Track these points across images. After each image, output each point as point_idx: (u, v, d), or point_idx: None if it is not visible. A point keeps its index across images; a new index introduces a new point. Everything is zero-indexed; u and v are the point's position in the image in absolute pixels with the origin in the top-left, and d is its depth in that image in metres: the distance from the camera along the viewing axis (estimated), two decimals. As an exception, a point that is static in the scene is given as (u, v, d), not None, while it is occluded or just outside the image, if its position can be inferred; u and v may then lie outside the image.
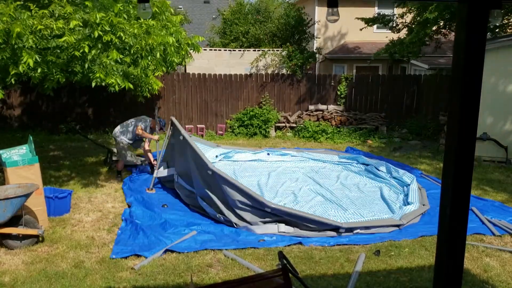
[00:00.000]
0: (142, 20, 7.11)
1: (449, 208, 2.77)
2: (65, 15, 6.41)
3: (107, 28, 6.45)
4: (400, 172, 8.65)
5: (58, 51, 6.52)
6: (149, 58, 7.23)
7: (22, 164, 6.13)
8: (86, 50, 6.38)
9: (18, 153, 6.38)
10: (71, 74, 7.19)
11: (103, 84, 6.81)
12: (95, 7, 6.49)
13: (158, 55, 7.23)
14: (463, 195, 2.76)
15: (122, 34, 6.58)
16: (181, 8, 24.88)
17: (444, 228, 2.85)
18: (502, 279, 5.03)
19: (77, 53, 6.41)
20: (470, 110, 2.68)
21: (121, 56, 6.73)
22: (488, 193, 8.10)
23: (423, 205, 7.10)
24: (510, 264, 5.39)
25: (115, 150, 9.03)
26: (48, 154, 9.32)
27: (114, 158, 9.13)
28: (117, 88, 6.92)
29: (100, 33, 6.40)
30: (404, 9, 13.68)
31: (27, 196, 5.54)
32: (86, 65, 6.68)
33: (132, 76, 7.28)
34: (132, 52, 6.92)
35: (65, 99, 13.06)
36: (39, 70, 6.49)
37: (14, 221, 5.58)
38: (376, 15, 14.86)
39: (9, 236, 5.56)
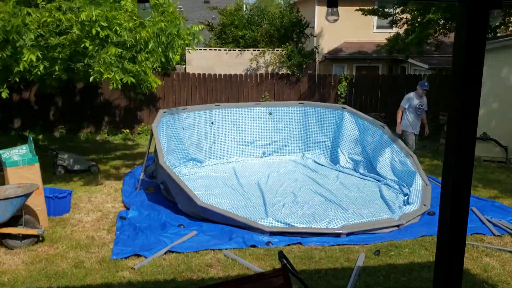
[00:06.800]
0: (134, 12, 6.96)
1: (449, 208, 2.77)
2: (73, 8, 6.39)
3: (104, 24, 6.39)
4: (400, 172, 8.61)
5: (60, 48, 6.49)
6: (145, 51, 7.04)
7: (22, 164, 6.13)
8: (87, 45, 6.33)
9: (18, 153, 6.38)
10: (71, 72, 7.15)
11: (102, 79, 6.67)
12: (92, 4, 6.44)
13: (150, 46, 6.94)
14: (463, 195, 2.76)
15: (118, 28, 6.50)
16: (181, 8, 24.86)
17: (444, 228, 2.85)
18: (502, 279, 5.03)
19: (78, 49, 6.37)
20: (470, 110, 2.68)
21: (120, 50, 6.63)
22: (488, 193, 8.10)
23: (424, 205, 7.07)
24: (510, 264, 5.38)
25: (61, 155, 8.87)
26: (48, 154, 9.30)
27: (59, 162, 8.84)
28: (116, 83, 6.73)
29: (98, 29, 6.35)
30: (404, 8, 13.64)
31: (27, 196, 5.54)
32: (86, 60, 6.61)
33: (132, 72, 7.14)
34: (128, 46, 6.80)
35: (64, 99, 13.05)
36: (41, 67, 6.45)
37: (14, 221, 5.58)
38: (376, 7, 14.70)
39: (9, 236, 5.56)
